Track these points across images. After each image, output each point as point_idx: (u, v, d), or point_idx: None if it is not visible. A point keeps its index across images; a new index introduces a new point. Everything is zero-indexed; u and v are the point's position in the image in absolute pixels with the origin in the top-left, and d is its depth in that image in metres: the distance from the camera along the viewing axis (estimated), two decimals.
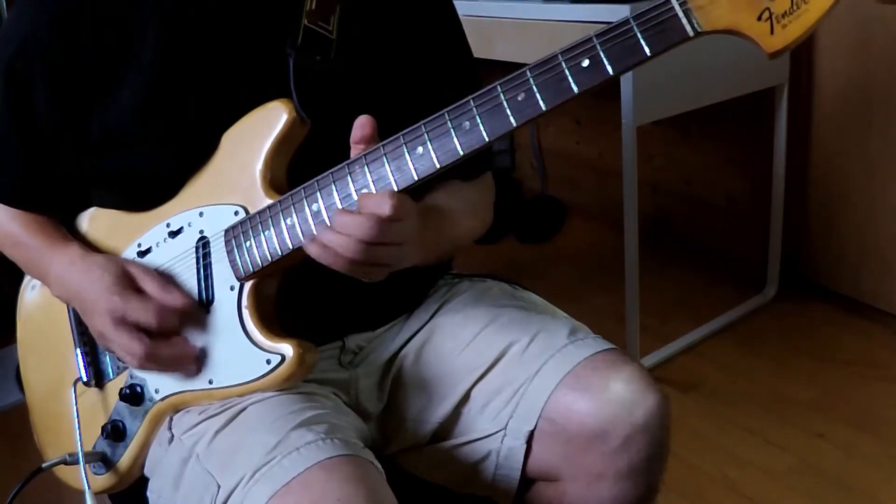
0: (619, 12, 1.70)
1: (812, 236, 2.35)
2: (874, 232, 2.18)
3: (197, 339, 0.89)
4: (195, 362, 0.89)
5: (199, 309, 0.89)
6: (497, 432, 0.94)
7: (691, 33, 0.68)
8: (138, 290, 0.89)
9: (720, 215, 2.56)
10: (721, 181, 2.53)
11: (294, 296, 0.91)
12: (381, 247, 0.78)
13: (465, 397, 0.96)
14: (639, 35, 0.69)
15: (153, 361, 0.87)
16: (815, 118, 2.24)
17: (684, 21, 0.67)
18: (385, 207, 0.76)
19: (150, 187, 0.93)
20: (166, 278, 0.91)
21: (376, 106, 0.83)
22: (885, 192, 2.13)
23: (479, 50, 1.10)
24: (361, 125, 0.80)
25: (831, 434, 1.79)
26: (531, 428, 0.91)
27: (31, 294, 1.08)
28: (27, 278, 1.09)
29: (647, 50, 0.69)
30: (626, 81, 1.77)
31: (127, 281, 0.89)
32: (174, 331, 0.89)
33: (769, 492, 1.65)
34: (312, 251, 0.79)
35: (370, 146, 0.80)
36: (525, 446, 0.92)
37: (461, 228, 1.01)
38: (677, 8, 0.68)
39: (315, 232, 0.80)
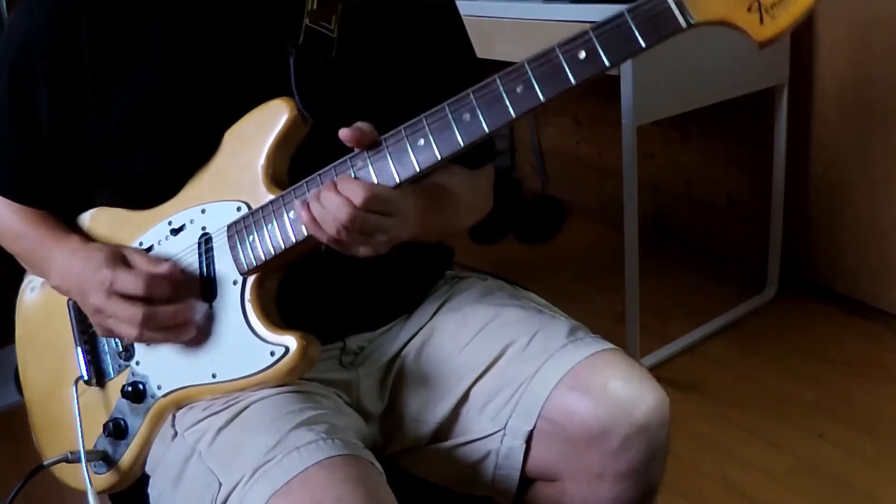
0: None
1: (812, 236, 2.35)
2: (874, 232, 2.18)
3: (200, 334, 0.90)
4: (195, 327, 0.89)
5: (202, 304, 0.90)
6: (496, 432, 0.94)
7: (684, 25, 0.70)
8: (129, 265, 0.90)
9: (720, 215, 2.56)
10: (721, 181, 2.53)
11: (295, 297, 0.91)
12: (356, 233, 0.80)
13: (465, 397, 0.96)
14: (633, 27, 0.70)
15: (152, 324, 0.87)
16: (815, 118, 2.24)
17: (677, 13, 0.69)
18: (358, 197, 0.78)
19: (149, 188, 0.94)
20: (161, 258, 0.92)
21: (377, 105, 0.83)
22: (885, 192, 2.13)
23: (480, 50, 1.11)
24: (347, 139, 0.80)
25: (831, 434, 1.79)
26: (530, 428, 0.92)
27: (31, 294, 1.08)
28: (27, 279, 1.09)
29: (641, 41, 0.71)
30: (626, 81, 1.76)
31: (119, 258, 0.91)
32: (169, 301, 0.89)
33: (769, 492, 1.65)
34: (301, 216, 0.82)
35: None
36: (524, 446, 0.92)
37: (461, 207, 1.03)
38: (670, 0, 0.69)
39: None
